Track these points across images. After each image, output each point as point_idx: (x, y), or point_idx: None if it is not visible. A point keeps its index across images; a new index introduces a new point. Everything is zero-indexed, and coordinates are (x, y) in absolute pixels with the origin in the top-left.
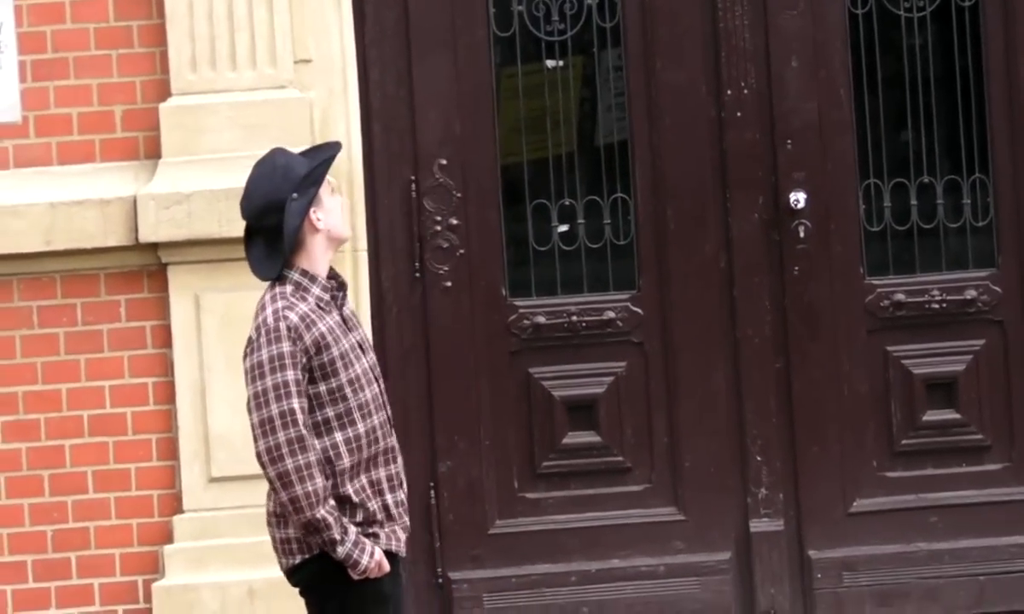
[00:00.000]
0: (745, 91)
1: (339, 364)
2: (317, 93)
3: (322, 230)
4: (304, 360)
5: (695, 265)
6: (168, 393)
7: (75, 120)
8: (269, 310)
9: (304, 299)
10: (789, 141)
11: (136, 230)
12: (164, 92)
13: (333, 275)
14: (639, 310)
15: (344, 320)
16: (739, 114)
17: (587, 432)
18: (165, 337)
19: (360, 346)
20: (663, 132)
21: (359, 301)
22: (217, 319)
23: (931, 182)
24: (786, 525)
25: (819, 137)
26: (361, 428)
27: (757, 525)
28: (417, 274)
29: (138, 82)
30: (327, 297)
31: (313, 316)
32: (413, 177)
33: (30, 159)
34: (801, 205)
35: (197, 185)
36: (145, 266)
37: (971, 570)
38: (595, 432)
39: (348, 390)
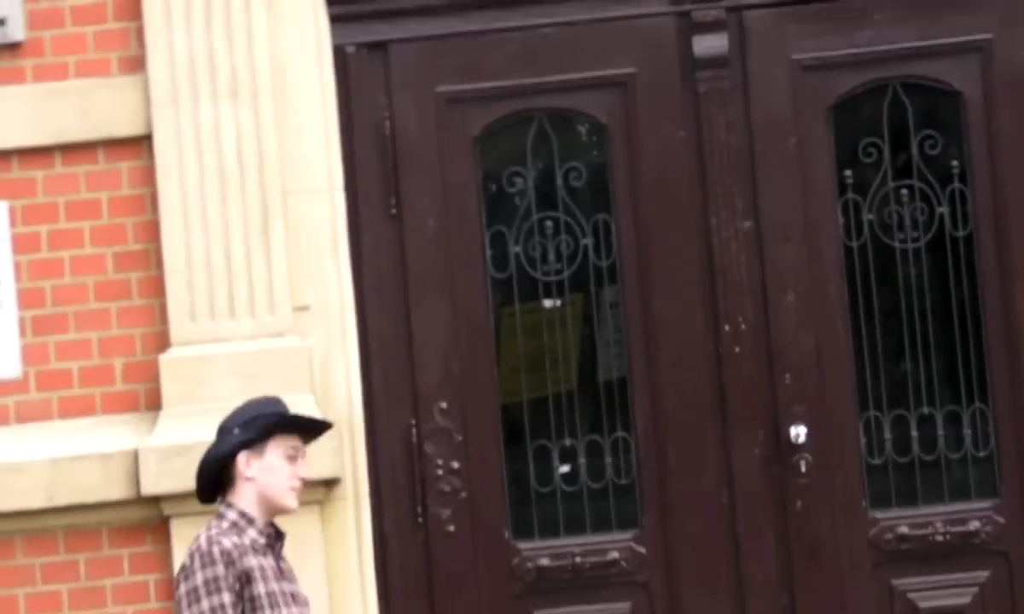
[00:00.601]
0: (743, 325)
1: (265, 601)
2: (316, 339)
3: (252, 480)
4: (237, 586)
5: (697, 502)
6: None
7: (75, 374)
8: (203, 537)
9: (239, 537)
10: (788, 374)
11: (138, 483)
12: (164, 343)
13: (272, 523)
14: (642, 549)
15: (280, 570)
16: (737, 349)
17: None
18: (168, 591)
19: (293, 597)
20: (661, 368)
21: (362, 547)
22: None
23: (931, 413)
24: None
25: (818, 370)
26: None
27: None
28: (420, 519)
29: (138, 334)
30: (263, 541)
31: (246, 549)
32: (413, 421)
33: (31, 415)
34: (802, 439)
35: (198, 436)
36: (147, 519)
37: None
38: None
39: None
